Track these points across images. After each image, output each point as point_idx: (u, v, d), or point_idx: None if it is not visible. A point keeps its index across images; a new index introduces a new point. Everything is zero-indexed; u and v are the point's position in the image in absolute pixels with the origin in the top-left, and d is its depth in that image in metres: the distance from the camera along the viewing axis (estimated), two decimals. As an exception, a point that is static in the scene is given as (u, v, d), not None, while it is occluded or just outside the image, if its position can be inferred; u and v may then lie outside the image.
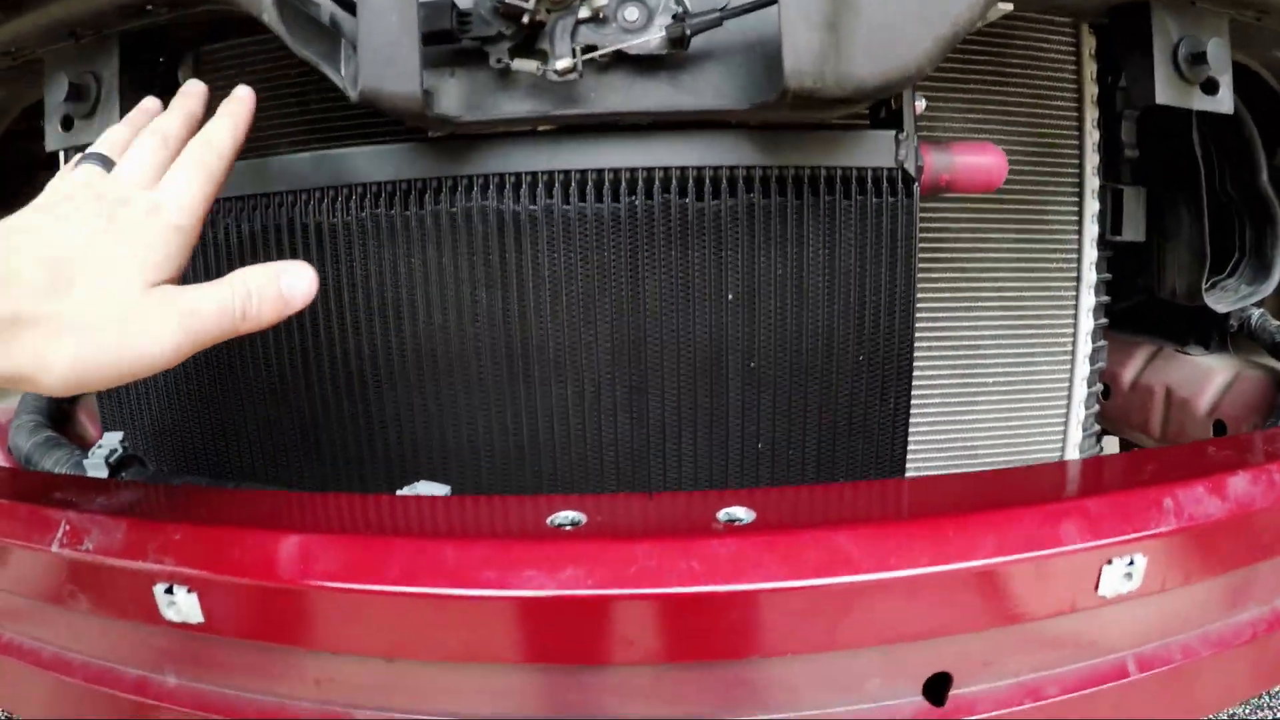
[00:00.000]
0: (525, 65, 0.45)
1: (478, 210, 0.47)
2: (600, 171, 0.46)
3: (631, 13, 0.45)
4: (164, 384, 0.56)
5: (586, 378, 0.48)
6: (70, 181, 0.43)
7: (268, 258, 0.50)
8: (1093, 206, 0.62)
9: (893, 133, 0.48)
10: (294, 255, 0.50)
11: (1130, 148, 0.65)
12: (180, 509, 0.42)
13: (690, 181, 0.46)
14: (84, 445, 0.63)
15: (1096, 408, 0.67)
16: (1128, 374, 0.81)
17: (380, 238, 0.48)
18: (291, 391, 0.52)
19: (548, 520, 0.37)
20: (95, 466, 0.50)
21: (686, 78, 0.46)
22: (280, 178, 0.50)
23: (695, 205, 0.46)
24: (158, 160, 0.44)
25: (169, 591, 0.38)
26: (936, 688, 0.39)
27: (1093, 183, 0.62)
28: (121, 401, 0.58)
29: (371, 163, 0.48)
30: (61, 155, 0.56)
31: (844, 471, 0.49)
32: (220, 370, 0.54)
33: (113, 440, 0.52)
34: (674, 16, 0.45)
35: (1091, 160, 0.62)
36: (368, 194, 0.48)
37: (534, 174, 0.46)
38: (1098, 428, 0.68)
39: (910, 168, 0.48)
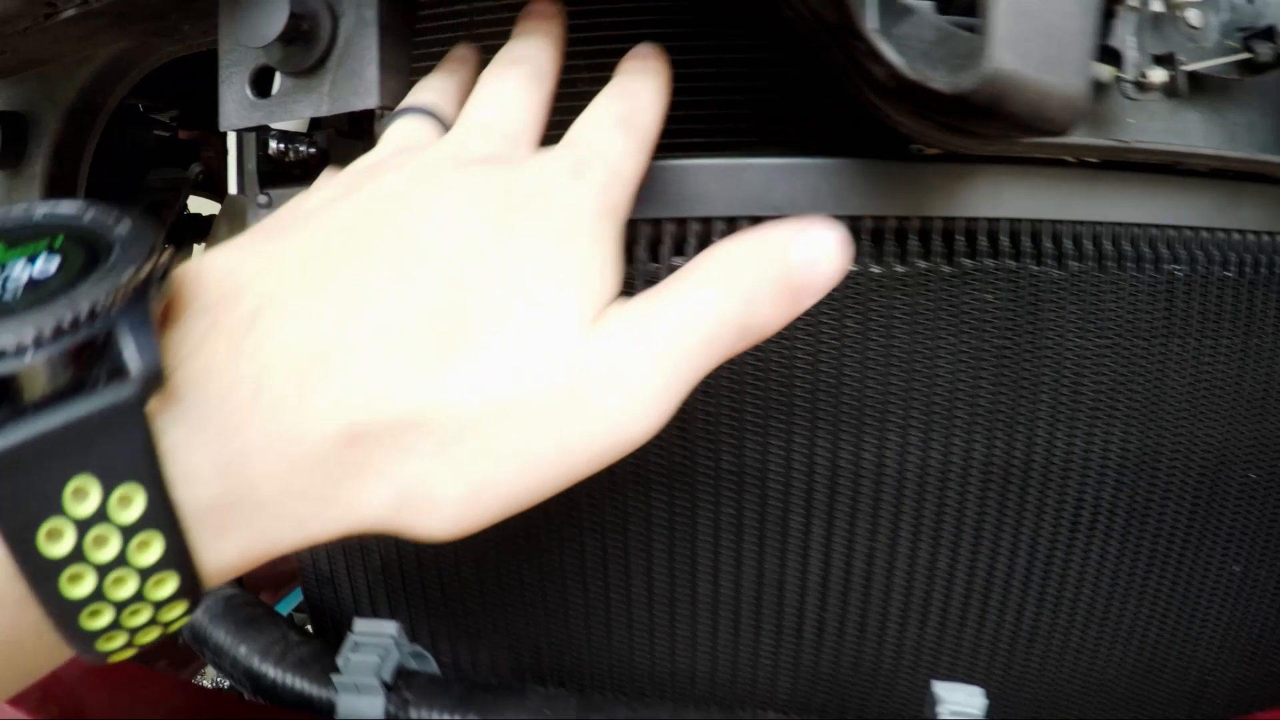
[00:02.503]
0: (1093, 69, 0.30)
1: (988, 270, 0.31)
2: (1134, 229, 0.33)
3: (1194, 16, 0.33)
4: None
5: (1087, 495, 0.34)
6: (404, 149, 0.23)
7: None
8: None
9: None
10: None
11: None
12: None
13: (1224, 248, 0.34)
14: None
15: None
16: None
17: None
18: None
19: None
20: (356, 686, 0.28)
21: (1231, 113, 0.34)
22: (660, 197, 0.30)
23: (1233, 278, 0.34)
24: (535, 104, 0.25)
25: None
26: None
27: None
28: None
29: (802, 185, 0.31)
30: (236, 142, 0.31)
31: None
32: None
33: (379, 634, 0.29)
34: (1254, 34, 0.33)
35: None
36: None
37: (1055, 224, 0.32)
38: None
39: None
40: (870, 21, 0.25)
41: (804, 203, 0.31)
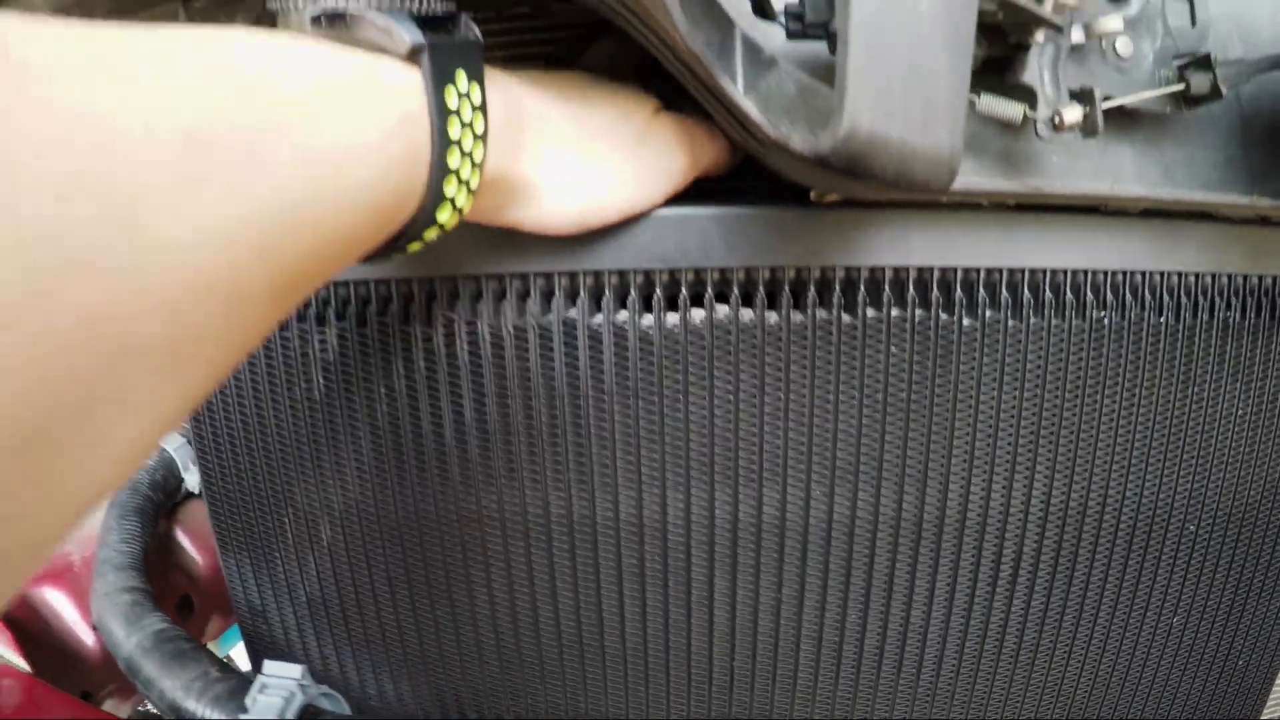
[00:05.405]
0: (1002, 108, 0.27)
1: (893, 320, 0.29)
2: (1057, 274, 0.30)
3: (1123, 45, 0.29)
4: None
5: (1006, 549, 0.32)
6: None
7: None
8: None
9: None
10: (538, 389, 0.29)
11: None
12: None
13: (1159, 292, 0.31)
14: (189, 577, 0.39)
15: None
16: None
17: (699, 356, 0.29)
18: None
19: None
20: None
21: (1168, 148, 0.30)
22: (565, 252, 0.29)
23: (1170, 324, 0.31)
24: None
25: None
26: None
27: None
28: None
29: (693, 235, 0.28)
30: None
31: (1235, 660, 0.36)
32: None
33: (285, 676, 0.29)
34: (1189, 63, 0.29)
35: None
36: (656, 284, 0.29)
37: (967, 271, 0.29)
38: None
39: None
40: (734, 79, 0.23)
41: (695, 253, 0.29)
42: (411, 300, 0.30)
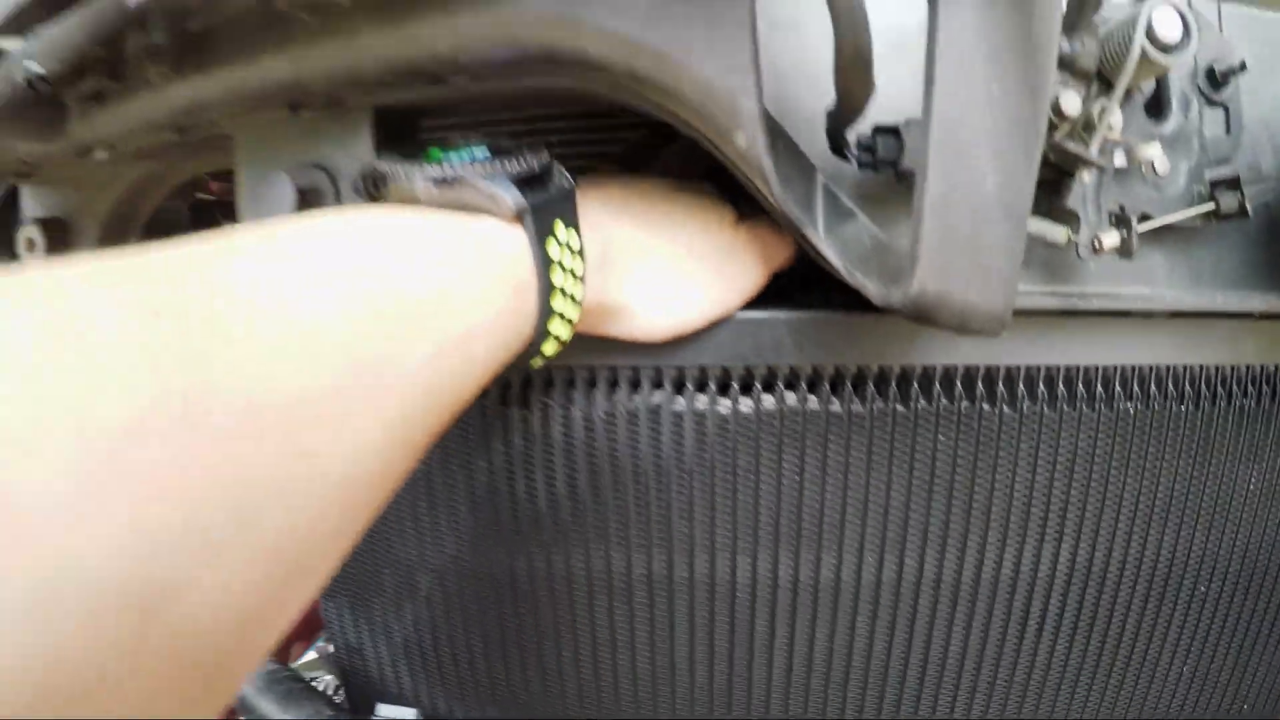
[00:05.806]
0: (1048, 231, 0.30)
1: (942, 411, 0.32)
2: (1087, 370, 0.33)
3: (1160, 165, 0.32)
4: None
5: (1035, 606, 0.36)
6: None
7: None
8: None
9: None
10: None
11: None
12: None
13: (1181, 384, 0.34)
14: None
15: None
16: None
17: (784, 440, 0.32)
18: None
19: None
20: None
21: (1197, 251, 0.33)
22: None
23: (1190, 412, 0.34)
24: None
25: None
26: None
27: None
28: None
29: (768, 337, 0.32)
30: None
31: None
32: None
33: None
34: (1219, 182, 0.32)
35: None
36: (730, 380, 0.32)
37: (1009, 369, 0.33)
38: None
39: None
40: (815, 227, 0.26)
41: (768, 352, 0.32)
42: (509, 387, 0.34)
